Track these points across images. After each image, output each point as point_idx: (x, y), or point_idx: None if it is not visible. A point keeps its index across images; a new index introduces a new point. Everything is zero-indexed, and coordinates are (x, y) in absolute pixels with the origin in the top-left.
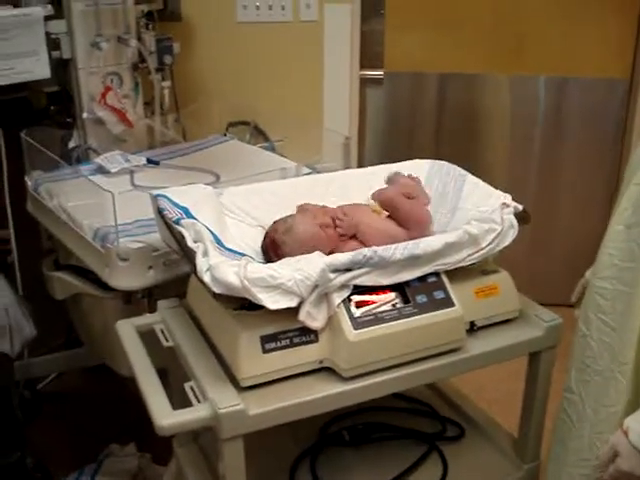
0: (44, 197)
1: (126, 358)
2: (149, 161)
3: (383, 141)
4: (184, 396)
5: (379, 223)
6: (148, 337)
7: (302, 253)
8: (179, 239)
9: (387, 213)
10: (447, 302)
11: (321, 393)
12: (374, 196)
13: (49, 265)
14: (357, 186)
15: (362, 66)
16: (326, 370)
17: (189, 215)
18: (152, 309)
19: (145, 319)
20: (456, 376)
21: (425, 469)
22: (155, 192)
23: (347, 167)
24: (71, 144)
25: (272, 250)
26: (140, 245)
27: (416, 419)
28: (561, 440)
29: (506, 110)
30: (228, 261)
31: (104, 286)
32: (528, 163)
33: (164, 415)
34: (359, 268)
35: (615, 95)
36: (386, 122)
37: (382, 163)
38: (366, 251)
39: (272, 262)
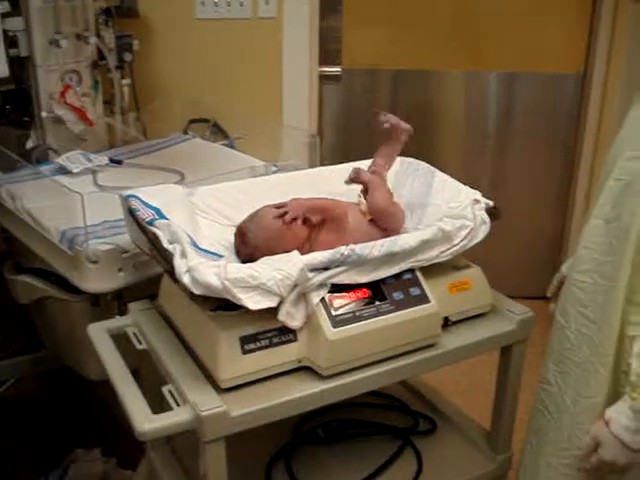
0: (5, 199)
1: (94, 362)
2: (111, 160)
3: (340, 138)
4: (157, 399)
5: (360, 221)
6: (118, 340)
7: (266, 240)
8: (153, 240)
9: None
10: (423, 298)
11: (301, 392)
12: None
13: (10, 269)
14: (329, 184)
15: (320, 63)
16: (304, 369)
17: (161, 216)
18: (121, 311)
19: (117, 322)
20: (432, 371)
21: (400, 463)
22: (125, 193)
23: (313, 165)
24: (29, 144)
25: (239, 239)
26: (109, 247)
27: (388, 414)
28: (537, 431)
29: (460, 106)
30: (207, 262)
31: (70, 289)
32: (482, 158)
33: (144, 420)
34: (337, 267)
35: (568, 90)
36: (343, 119)
37: (340, 160)
38: (344, 249)
39: (242, 257)
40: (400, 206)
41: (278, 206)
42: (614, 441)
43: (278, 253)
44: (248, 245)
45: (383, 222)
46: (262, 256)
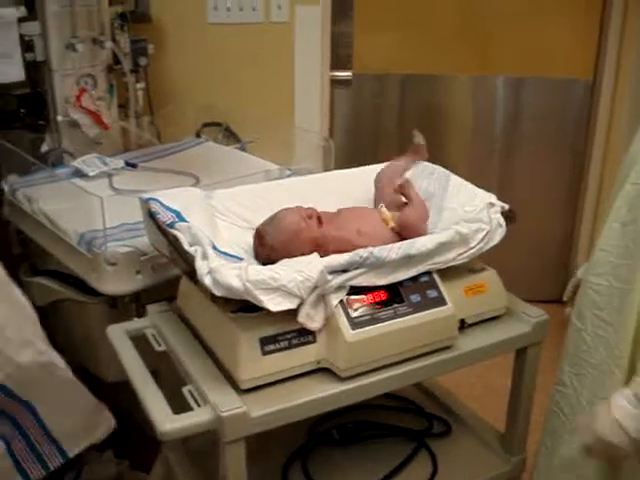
0: (21, 201)
1: (112, 364)
2: (127, 164)
3: (350, 141)
4: (176, 400)
5: (379, 231)
6: (136, 341)
7: (283, 242)
8: (173, 243)
9: (394, 225)
10: (440, 301)
11: (320, 393)
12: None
13: (26, 271)
14: (346, 187)
15: (331, 67)
16: (323, 371)
17: (181, 218)
18: (139, 313)
19: (135, 324)
20: (448, 373)
21: (415, 466)
22: (145, 196)
23: (327, 168)
24: (44, 147)
25: (257, 241)
26: (128, 249)
27: (402, 416)
28: (552, 433)
29: (469, 110)
30: (228, 264)
31: (87, 291)
32: (491, 162)
33: (166, 420)
34: (355, 269)
35: (577, 95)
36: (353, 122)
37: (350, 162)
38: (362, 252)
39: (260, 259)
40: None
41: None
42: (613, 421)
43: (294, 255)
44: (266, 247)
45: (407, 236)
46: (279, 258)
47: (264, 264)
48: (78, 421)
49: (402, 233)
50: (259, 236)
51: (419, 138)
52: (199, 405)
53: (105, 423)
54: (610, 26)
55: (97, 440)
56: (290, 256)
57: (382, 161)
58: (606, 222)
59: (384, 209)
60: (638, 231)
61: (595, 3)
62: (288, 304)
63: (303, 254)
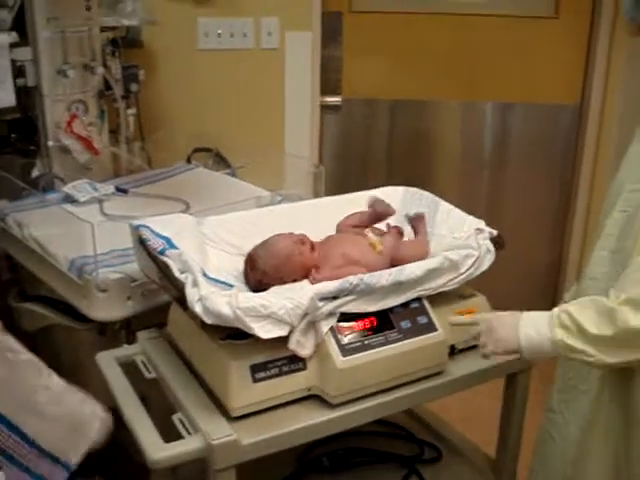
0: (11, 227)
1: (101, 390)
2: (117, 189)
3: (339, 166)
4: (166, 427)
5: (368, 256)
6: (126, 368)
7: (275, 266)
8: (163, 269)
9: (382, 248)
10: (430, 327)
11: (311, 421)
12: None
13: (15, 296)
14: (336, 214)
15: (321, 93)
16: (314, 397)
17: (171, 245)
18: (129, 340)
19: (125, 350)
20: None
21: None
22: (135, 222)
23: (317, 194)
24: (35, 173)
25: (249, 265)
26: (119, 276)
27: (393, 442)
28: (542, 458)
29: (457, 136)
30: (219, 291)
31: (77, 317)
32: (479, 188)
33: (156, 448)
34: (345, 296)
35: (565, 121)
36: (342, 148)
37: (339, 188)
38: (352, 279)
39: (251, 284)
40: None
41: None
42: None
43: (286, 280)
44: (257, 271)
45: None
46: (270, 283)
47: (255, 290)
48: (65, 421)
49: (394, 264)
50: (251, 260)
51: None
52: (189, 433)
53: (98, 419)
54: (597, 52)
55: (96, 442)
56: (281, 281)
57: (371, 187)
58: (594, 250)
59: (371, 234)
60: (627, 258)
61: (582, 29)
62: (279, 331)
63: (295, 279)
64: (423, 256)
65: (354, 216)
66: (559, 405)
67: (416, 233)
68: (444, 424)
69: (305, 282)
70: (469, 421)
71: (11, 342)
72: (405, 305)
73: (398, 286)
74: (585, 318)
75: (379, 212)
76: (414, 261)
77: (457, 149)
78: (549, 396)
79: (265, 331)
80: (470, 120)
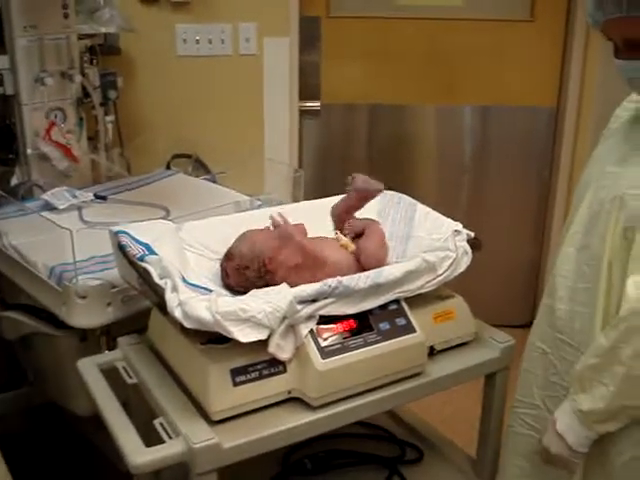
0: None
1: (83, 397)
2: (96, 196)
3: (319, 170)
4: (148, 432)
5: (342, 257)
6: (107, 374)
7: (249, 245)
8: (143, 275)
9: (354, 247)
10: (409, 328)
11: (292, 423)
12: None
13: None
14: (316, 218)
15: (300, 98)
16: (294, 400)
17: (151, 251)
18: (110, 346)
19: (106, 357)
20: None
21: None
22: (115, 228)
23: (297, 199)
24: (14, 181)
25: (226, 260)
26: (99, 282)
27: (374, 444)
28: (527, 455)
29: (435, 139)
30: (198, 296)
31: (57, 324)
32: (458, 190)
33: (137, 453)
34: (324, 298)
35: (542, 123)
36: (321, 152)
37: (319, 192)
38: (331, 281)
39: (229, 279)
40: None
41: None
42: (556, 435)
43: (263, 258)
44: (234, 254)
45: (368, 267)
46: (248, 266)
47: (234, 292)
48: None
49: (365, 265)
50: (226, 255)
51: (358, 182)
52: (170, 437)
53: None
54: (573, 55)
55: None
56: (258, 259)
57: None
58: (562, 247)
59: (340, 235)
60: (592, 255)
61: (558, 32)
62: (258, 335)
63: (272, 258)
64: (381, 241)
65: (341, 203)
66: (543, 400)
67: (363, 233)
68: (425, 425)
69: (284, 285)
70: (450, 422)
71: None
72: (384, 307)
73: (376, 288)
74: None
75: (362, 191)
76: (380, 252)
77: (435, 153)
78: (523, 391)
79: (244, 335)
80: (448, 124)
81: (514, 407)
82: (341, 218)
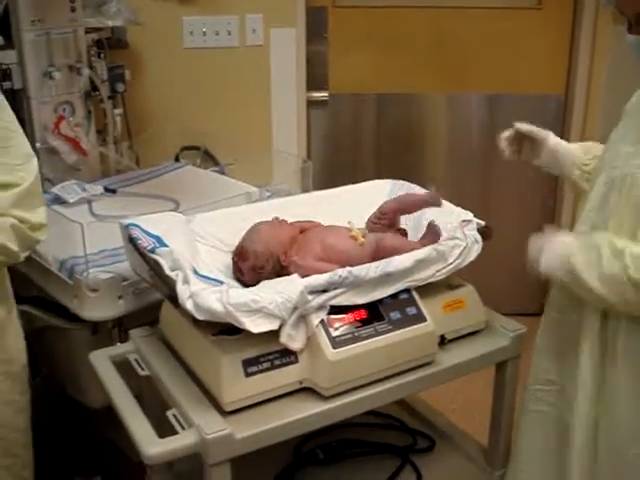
0: None
1: (95, 390)
2: (106, 189)
3: (327, 161)
4: (161, 424)
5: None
6: (119, 367)
7: (262, 240)
8: (154, 267)
9: (364, 240)
10: (419, 317)
11: (304, 413)
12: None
13: None
14: (325, 208)
15: (308, 88)
16: (306, 390)
17: (162, 243)
18: (121, 338)
19: (118, 349)
20: (431, 389)
21: None
22: (125, 221)
23: (305, 189)
24: None
25: (237, 256)
26: (110, 275)
27: (386, 433)
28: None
29: (444, 128)
30: (209, 288)
31: (69, 317)
32: (466, 179)
33: (151, 444)
34: (335, 288)
35: (550, 111)
36: (329, 142)
37: (328, 183)
38: (341, 271)
39: (242, 274)
40: None
41: None
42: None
43: (275, 255)
44: (248, 256)
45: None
46: (263, 265)
47: (245, 285)
48: None
49: (377, 257)
50: (238, 250)
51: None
52: (184, 428)
53: None
54: (580, 42)
55: None
56: (273, 257)
57: (359, 180)
58: (575, 227)
59: (352, 225)
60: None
61: (565, 19)
62: (269, 325)
63: (285, 251)
64: (406, 250)
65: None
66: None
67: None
68: (437, 414)
69: (295, 276)
70: (461, 411)
71: None
72: (394, 296)
73: (387, 278)
74: None
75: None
76: (397, 253)
77: (444, 141)
78: (540, 371)
79: (256, 325)
80: (456, 112)
81: (527, 386)
82: (388, 216)
